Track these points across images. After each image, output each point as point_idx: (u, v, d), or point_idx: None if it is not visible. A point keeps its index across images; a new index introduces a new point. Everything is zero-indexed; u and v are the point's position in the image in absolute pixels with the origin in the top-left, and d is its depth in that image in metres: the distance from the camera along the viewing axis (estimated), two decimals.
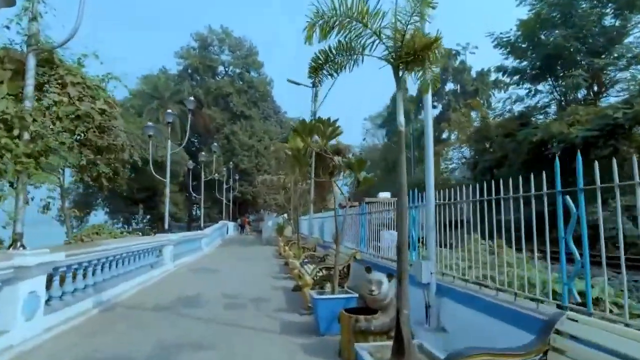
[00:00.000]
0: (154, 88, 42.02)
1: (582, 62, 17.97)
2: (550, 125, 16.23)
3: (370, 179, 6.21)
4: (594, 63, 17.71)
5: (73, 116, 7.99)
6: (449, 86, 45.07)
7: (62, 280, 5.36)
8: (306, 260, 8.27)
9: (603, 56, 18.13)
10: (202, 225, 19.99)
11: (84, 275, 6.06)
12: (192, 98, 11.36)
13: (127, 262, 7.91)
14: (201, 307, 6.41)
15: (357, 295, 5.18)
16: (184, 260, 12.74)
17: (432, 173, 4.31)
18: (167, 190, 11.51)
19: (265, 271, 11.19)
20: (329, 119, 5.34)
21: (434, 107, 51.28)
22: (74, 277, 5.73)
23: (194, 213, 53.63)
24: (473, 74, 42.95)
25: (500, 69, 22.76)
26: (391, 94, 55.10)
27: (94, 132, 8.89)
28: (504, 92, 41.82)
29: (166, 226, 12.06)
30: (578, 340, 2.03)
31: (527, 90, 21.80)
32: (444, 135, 44.74)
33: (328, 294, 5.22)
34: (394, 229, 8.09)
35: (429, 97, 4.49)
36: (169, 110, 11.77)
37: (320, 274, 6.09)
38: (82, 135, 8.79)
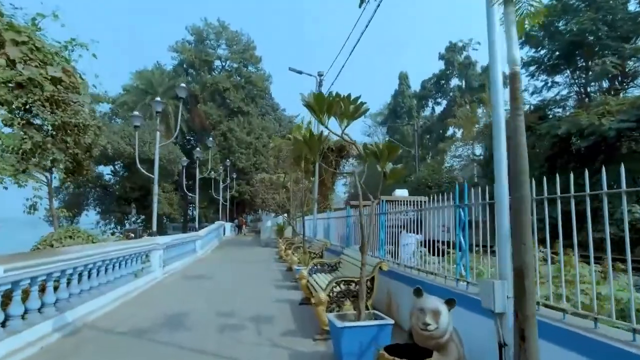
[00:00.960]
0: (147, 83, 40.76)
1: (610, 48, 16.74)
2: (578, 116, 15.06)
3: (400, 170, 5.04)
4: (624, 49, 16.51)
5: (12, 84, 6.52)
6: (454, 82, 44.03)
7: (4, 302, 4.17)
8: (314, 267, 7.11)
9: (632, 43, 16.96)
10: (197, 226, 18.77)
11: (42, 292, 4.88)
12: (183, 85, 10.16)
13: (104, 271, 6.72)
14: (189, 330, 5.23)
15: (391, 321, 4.01)
16: (175, 265, 11.55)
17: (504, 150, 3.08)
18: (155, 188, 10.31)
19: (265, 278, 10.01)
20: (349, 95, 4.18)
21: (437, 103, 50.32)
22: (26, 296, 4.54)
23: (190, 213, 52.42)
24: (479, 69, 41.91)
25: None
26: (392, 91, 54.03)
27: (43, 105, 7.18)
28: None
29: (154, 227, 10.84)
30: None
31: (544, 82, 20.68)
32: (449, 132, 43.69)
33: (352, 318, 4.05)
34: (412, 232, 6.99)
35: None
36: (158, 99, 10.56)
37: (338, 288, 4.93)
38: (25, 107, 7.12)
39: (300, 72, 14.92)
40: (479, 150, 26.66)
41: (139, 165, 10.57)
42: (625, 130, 14.22)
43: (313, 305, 4.96)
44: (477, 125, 26.32)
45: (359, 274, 5.81)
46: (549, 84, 20.56)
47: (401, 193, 9.60)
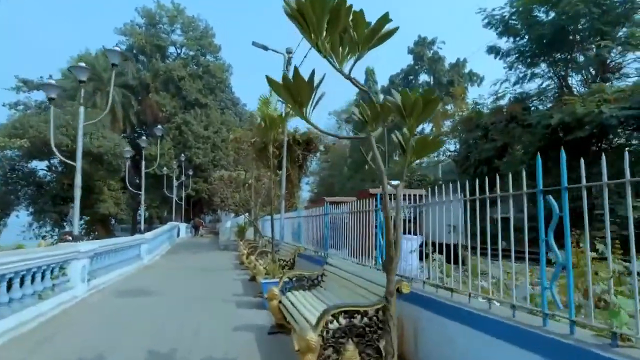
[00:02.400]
0: (91, 68, 36.86)
1: (603, 33, 16.18)
2: (573, 105, 14.33)
3: (435, 140, 3.41)
4: (615, 33, 16.00)
5: None
6: (423, 77, 43.72)
7: None
8: (289, 282, 5.37)
9: (620, 29, 16.59)
10: (142, 228, 16.34)
11: None
12: (117, 48, 8.02)
13: None
14: None
15: None
16: (107, 278, 9.33)
17: None
18: (78, 179, 8.07)
19: (224, 292, 8.11)
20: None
21: None
22: None
23: (142, 214, 48.42)
24: (446, 65, 41.79)
25: (493, 49, 20.93)
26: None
27: None
28: (478, 86, 41.01)
29: (75, 230, 8.58)
30: None
31: (522, 75, 20.08)
32: (417, 129, 43.32)
33: None
34: (408, 232, 5.55)
35: None
36: (82, 64, 8.31)
37: (335, 324, 3.21)
38: None
39: (265, 48, 13.03)
40: (452, 146, 26.00)
41: (54, 149, 8.21)
42: (629, 118, 13.56)
43: (296, 347, 3.21)
44: (450, 120, 25.58)
45: (354, 295, 4.15)
46: (528, 76, 20.04)
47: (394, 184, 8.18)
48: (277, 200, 11.15)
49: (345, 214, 7.07)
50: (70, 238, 24.61)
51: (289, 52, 12.89)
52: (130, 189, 21.51)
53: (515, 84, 20.24)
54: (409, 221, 5.99)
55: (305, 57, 14.15)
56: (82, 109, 8.08)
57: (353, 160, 50.89)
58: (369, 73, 53.62)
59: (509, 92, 19.84)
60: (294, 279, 5.51)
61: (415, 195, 5.79)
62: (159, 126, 18.76)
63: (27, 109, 39.31)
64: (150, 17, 40.72)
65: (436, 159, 27.70)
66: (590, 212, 2.45)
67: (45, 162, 34.59)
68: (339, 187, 46.81)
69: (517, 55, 19.62)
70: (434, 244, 4.83)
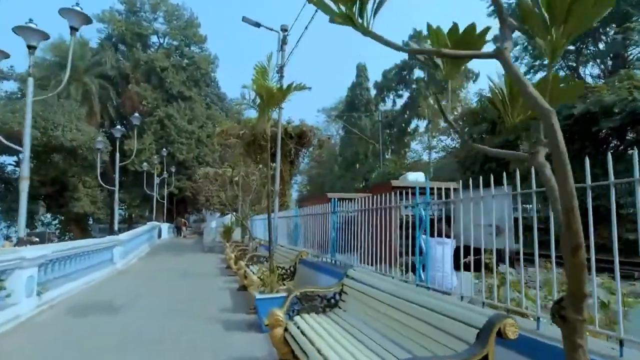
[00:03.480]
0: (65, 57, 34.65)
1: (628, 15, 15.11)
2: (600, 93, 13.25)
3: (578, 82, 2.15)
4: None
5: None
6: (418, 73, 42.72)
7: None
8: (296, 302, 4.03)
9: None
10: (116, 228, 14.74)
11: None
12: (78, 8, 6.52)
13: None
14: None
15: None
16: (66, 289, 7.83)
17: None
18: (25, 169, 6.56)
19: (209, 307, 6.71)
20: None
21: (399, 96, 48.75)
22: None
23: (122, 213, 46.11)
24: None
25: (497, 39, 19.86)
26: (349, 84, 51.86)
27: None
28: (474, 82, 40.27)
29: (21, 232, 7.05)
30: None
31: (530, 66, 18.97)
32: (412, 125, 42.47)
33: None
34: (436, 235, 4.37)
35: None
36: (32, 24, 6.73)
37: None
38: None
39: (258, 25, 11.60)
40: (452, 142, 24.85)
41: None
42: None
43: None
44: (454, 113, 24.47)
45: (392, 320, 2.85)
46: (536, 68, 19.00)
47: (415, 177, 6.66)
48: (271, 197, 9.78)
49: (361, 212, 5.76)
50: (38, 240, 22.54)
51: (284, 29, 11.52)
52: (106, 186, 19.75)
53: (526, 74, 19.21)
54: (439, 221, 4.79)
55: (301, 36, 12.79)
56: (30, 80, 6.55)
57: (344, 158, 49.70)
58: (361, 69, 52.49)
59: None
60: (304, 298, 4.15)
61: (445, 188, 4.54)
62: (136, 114, 17.09)
63: None
64: (130, 3, 38.65)
65: (435, 156, 26.57)
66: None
67: (14, 158, 32.40)
68: (329, 186, 45.49)
69: (524, 45, 18.61)
70: (468, 250, 3.69)
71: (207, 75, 43.12)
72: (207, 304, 7.04)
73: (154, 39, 41.14)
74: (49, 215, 37.66)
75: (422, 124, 39.00)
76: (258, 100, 5.91)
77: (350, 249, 6.70)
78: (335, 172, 49.17)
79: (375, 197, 5.55)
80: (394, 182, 5.98)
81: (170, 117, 35.97)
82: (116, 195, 14.35)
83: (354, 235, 6.14)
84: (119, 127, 16.46)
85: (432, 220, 4.58)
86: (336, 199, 6.85)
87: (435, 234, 4.45)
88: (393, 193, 5.33)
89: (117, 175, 14.30)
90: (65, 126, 26.99)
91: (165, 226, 30.77)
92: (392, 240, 5.32)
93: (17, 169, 32.44)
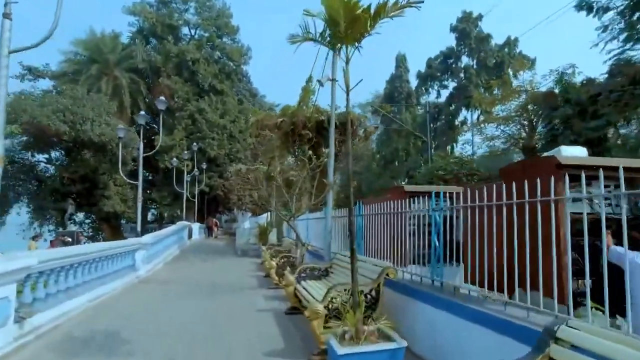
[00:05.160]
0: (95, 50, 34.21)
1: None
2: None
3: None
4: None
5: None
6: (465, 60, 39.54)
7: None
8: None
9: None
10: (138, 228, 13.21)
11: None
12: None
13: None
14: None
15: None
16: (65, 309, 6.08)
17: None
18: None
19: (253, 347, 4.68)
20: None
21: (443, 86, 45.42)
22: None
23: (154, 213, 45.56)
24: (493, 45, 37.51)
25: (584, 5, 16.70)
26: (388, 75, 49.03)
27: None
28: (529, 70, 36.64)
29: None
30: None
31: (628, 35, 15.79)
32: (460, 117, 39.43)
33: None
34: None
35: None
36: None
37: None
38: None
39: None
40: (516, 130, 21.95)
41: None
42: None
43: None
44: (517, 98, 21.52)
45: None
46: (634, 38, 15.73)
47: (573, 151, 4.65)
48: (325, 193, 7.71)
49: (486, 207, 3.57)
50: (70, 240, 21.35)
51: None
52: (134, 182, 18.44)
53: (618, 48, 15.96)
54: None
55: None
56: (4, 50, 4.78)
57: (381, 155, 47.11)
58: (400, 60, 49.51)
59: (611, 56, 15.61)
60: None
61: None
62: (162, 97, 15.53)
63: None
64: None
65: (501, 147, 23.64)
66: None
67: (46, 155, 32.16)
68: (367, 185, 43.02)
69: (623, 8, 15.46)
70: None
71: (239, 69, 41.84)
72: (246, 340, 5.04)
73: (185, 30, 40.28)
74: (81, 215, 37.44)
75: (470, 116, 35.89)
76: (327, 32, 3.86)
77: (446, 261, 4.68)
78: (373, 169, 46.64)
79: (494, 188, 3.44)
80: (548, 161, 3.75)
81: (202, 111, 34.80)
82: (139, 189, 12.82)
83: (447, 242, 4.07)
84: (142, 112, 14.94)
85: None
86: (434, 193, 4.67)
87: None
88: (553, 177, 3.18)
89: (140, 166, 12.75)
90: (94, 120, 26.17)
91: (196, 226, 29.54)
92: (558, 250, 3.17)
93: (48, 166, 32.23)
